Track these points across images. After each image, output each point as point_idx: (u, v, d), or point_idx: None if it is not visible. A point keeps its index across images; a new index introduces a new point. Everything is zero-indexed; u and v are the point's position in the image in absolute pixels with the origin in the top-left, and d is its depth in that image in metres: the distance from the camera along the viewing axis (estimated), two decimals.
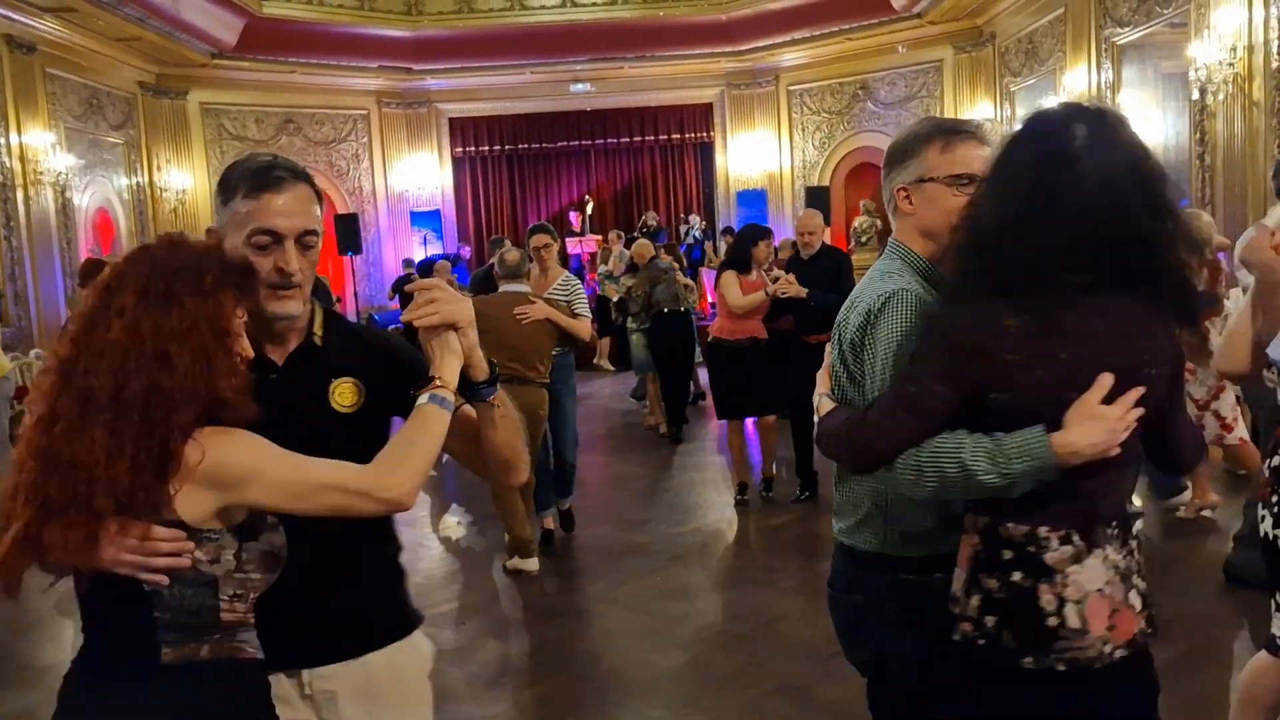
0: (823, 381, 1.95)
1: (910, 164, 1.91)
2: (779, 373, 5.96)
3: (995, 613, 1.65)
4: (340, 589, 1.79)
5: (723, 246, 12.66)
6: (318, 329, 1.79)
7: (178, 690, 1.49)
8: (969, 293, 1.64)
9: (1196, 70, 8.02)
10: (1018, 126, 1.72)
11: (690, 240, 14.99)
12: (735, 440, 6.32)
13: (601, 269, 12.91)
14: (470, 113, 16.14)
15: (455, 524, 6.30)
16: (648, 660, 3.96)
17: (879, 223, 13.57)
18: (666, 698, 3.65)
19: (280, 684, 1.72)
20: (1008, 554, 1.65)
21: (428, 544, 5.84)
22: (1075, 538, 1.62)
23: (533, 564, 5.03)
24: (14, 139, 10.12)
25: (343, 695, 1.81)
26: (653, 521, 5.96)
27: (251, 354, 1.58)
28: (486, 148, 16.54)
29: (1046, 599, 1.61)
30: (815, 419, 1.90)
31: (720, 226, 14.82)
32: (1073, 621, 1.61)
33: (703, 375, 8.58)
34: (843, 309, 1.93)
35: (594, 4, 14.79)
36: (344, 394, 1.77)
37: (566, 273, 5.76)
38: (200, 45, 12.62)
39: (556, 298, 5.27)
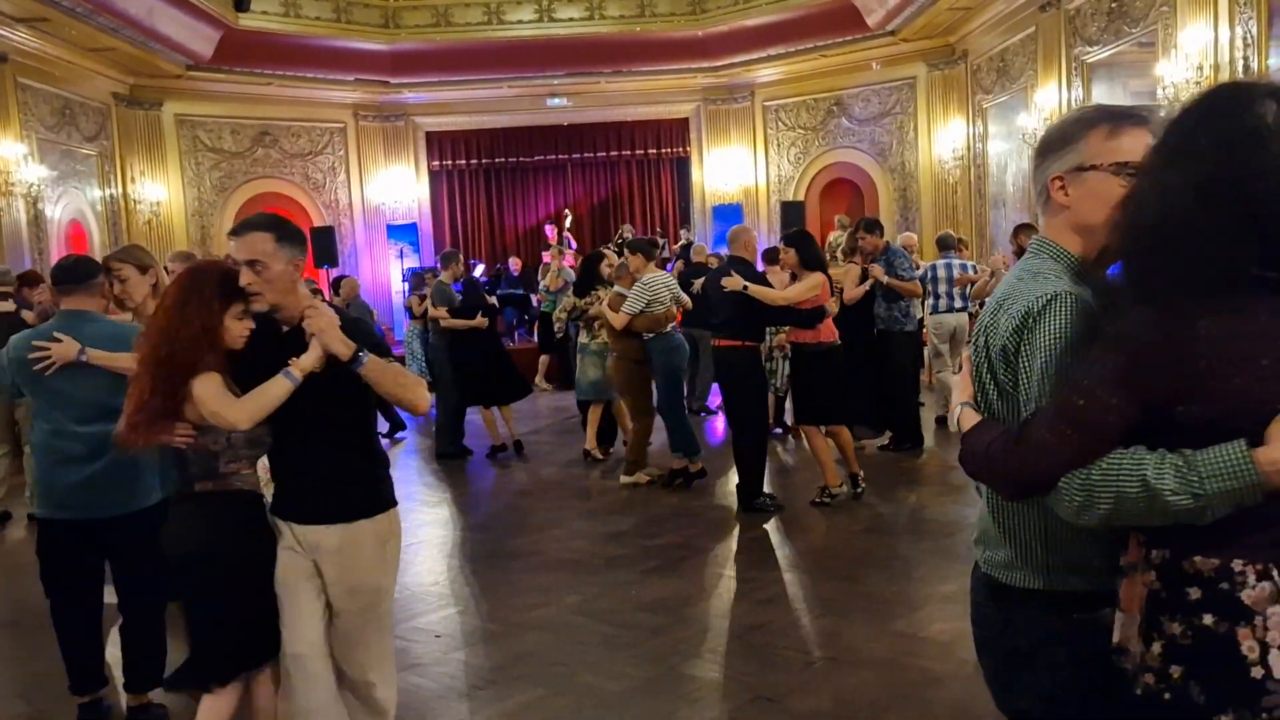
0: (963, 389, 1.76)
1: (1069, 151, 1.72)
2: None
3: (1182, 662, 1.44)
4: (328, 473, 2.75)
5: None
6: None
7: (205, 505, 2.79)
8: (1149, 294, 1.47)
9: (1164, 89, 8.18)
10: (1186, 105, 1.54)
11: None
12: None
13: (540, 284, 12.85)
14: (447, 126, 16.16)
15: (435, 536, 6.27)
16: (624, 673, 3.95)
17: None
18: (642, 711, 3.64)
19: (286, 530, 2.78)
20: (1194, 593, 1.44)
21: (409, 555, 5.80)
22: (1275, 573, 1.41)
23: (643, 477, 7.11)
24: None
25: (324, 550, 2.73)
26: (630, 534, 5.97)
27: (237, 336, 2.71)
28: (463, 161, 16.55)
29: (1248, 645, 1.40)
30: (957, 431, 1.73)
31: (696, 240, 14.86)
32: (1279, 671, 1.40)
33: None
34: (987, 312, 1.75)
35: (571, 19, 14.87)
36: None
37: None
38: (175, 56, 12.57)
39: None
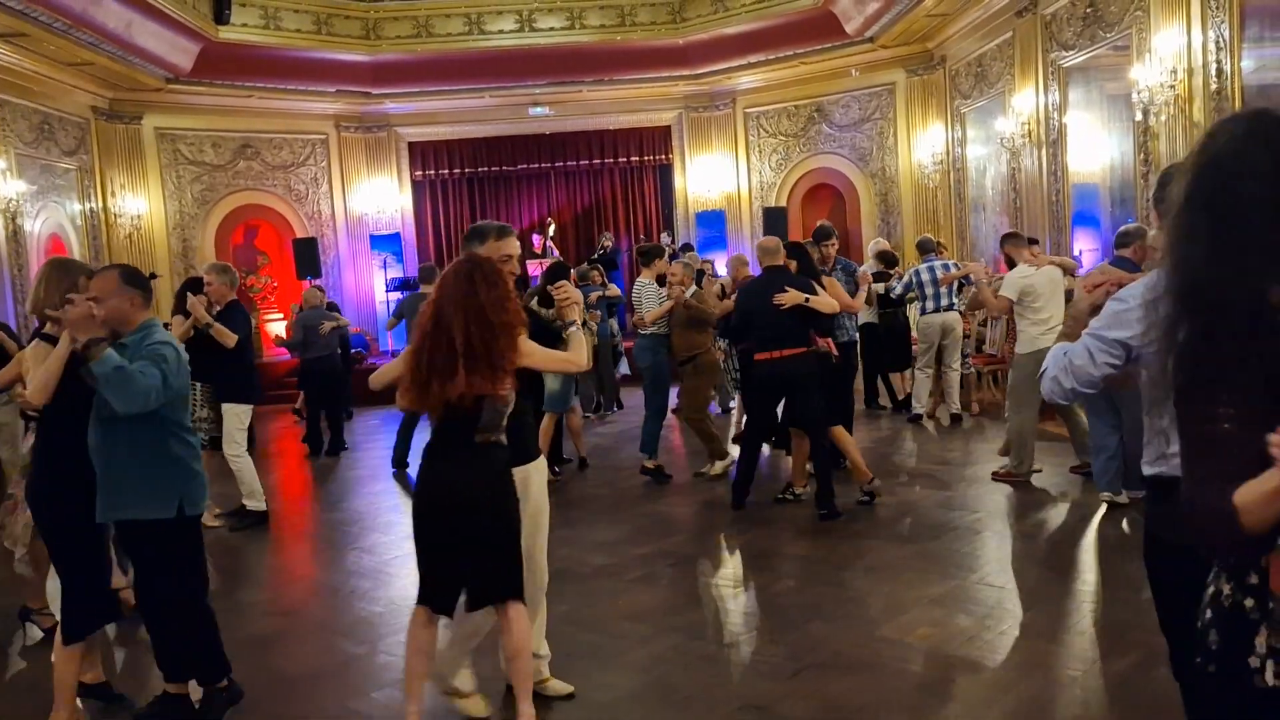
0: None
1: None
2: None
3: None
4: (510, 432, 3.43)
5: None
6: None
7: (480, 454, 3.33)
8: None
9: (1139, 92, 8.26)
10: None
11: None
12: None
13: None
14: (429, 136, 16.14)
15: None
16: (610, 682, 3.96)
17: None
18: None
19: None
20: None
21: (391, 569, 5.80)
22: None
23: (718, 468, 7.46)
24: None
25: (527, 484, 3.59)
26: (615, 543, 5.97)
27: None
28: (446, 171, 16.54)
29: None
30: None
31: (679, 245, 14.90)
32: None
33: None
34: None
35: (552, 29, 14.89)
36: None
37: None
38: (155, 70, 12.52)
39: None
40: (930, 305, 9.01)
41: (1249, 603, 1.52)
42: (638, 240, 16.13)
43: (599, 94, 15.71)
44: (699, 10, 14.70)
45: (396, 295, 9.20)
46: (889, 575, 5.13)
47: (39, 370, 3.49)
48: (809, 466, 6.53)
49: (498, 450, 3.36)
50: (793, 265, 6.45)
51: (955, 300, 9.12)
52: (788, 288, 6.17)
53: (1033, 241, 7.39)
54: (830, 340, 6.50)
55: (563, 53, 14.88)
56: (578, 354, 3.55)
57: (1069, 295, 6.67)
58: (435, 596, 3.39)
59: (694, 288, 7.71)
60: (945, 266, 9.12)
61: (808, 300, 6.11)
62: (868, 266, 10.04)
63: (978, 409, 9.51)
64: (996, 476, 6.84)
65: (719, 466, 7.48)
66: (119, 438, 3.44)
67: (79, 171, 12.58)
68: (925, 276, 9.02)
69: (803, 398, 6.30)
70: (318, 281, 13.35)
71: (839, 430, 6.55)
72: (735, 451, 8.39)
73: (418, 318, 3.35)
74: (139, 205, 13.57)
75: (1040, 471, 6.85)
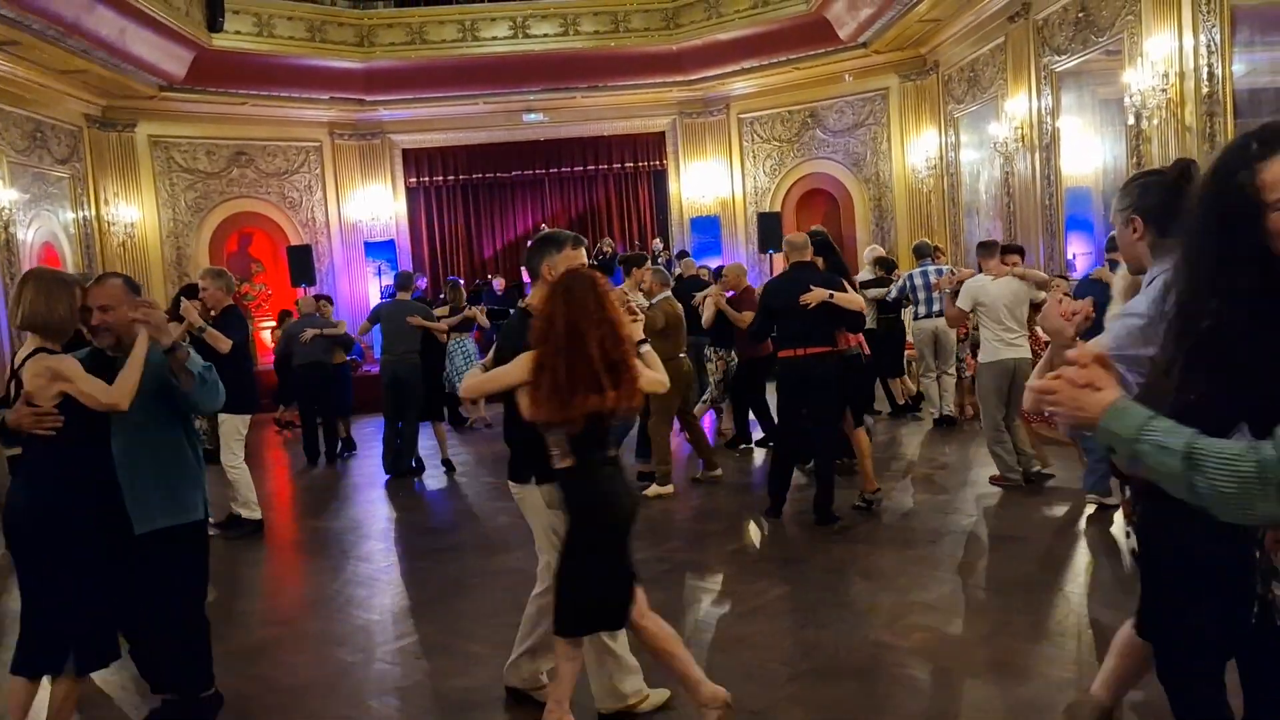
0: None
1: None
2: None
3: None
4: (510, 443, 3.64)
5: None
6: None
7: (620, 465, 3.46)
8: None
9: (1131, 96, 8.28)
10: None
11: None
12: None
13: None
14: (424, 143, 16.15)
15: (412, 557, 6.25)
16: None
17: None
18: None
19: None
20: None
21: (383, 579, 5.78)
22: None
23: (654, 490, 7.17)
24: None
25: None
26: None
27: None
28: (440, 178, 16.55)
29: None
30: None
31: (675, 251, 14.92)
32: None
33: None
34: None
35: (546, 35, 14.91)
36: None
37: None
38: (148, 77, 12.50)
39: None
40: (923, 310, 9.02)
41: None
42: (632, 246, 16.15)
43: (593, 100, 15.73)
44: (693, 16, 14.73)
45: (394, 299, 9.24)
46: (885, 580, 5.13)
47: (124, 375, 3.32)
48: (809, 466, 6.51)
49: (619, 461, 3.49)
50: (819, 262, 6.39)
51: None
52: (812, 286, 6.02)
53: (1013, 251, 7.27)
54: (861, 337, 6.49)
55: (557, 59, 14.90)
56: (663, 373, 3.54)
57: (1039, 307, 6.65)
58: (618, 613, 3.38)
59: (666, 292, 7.51)
60: (940, 272, 9.13)
61: (832, 296, 5.96)
62: (865, 273, 10.07)
63: (971, 412, 9.51)
64: (994, 480, 6.85)
65: (655, 490, 7.15)
66: (143, 447, 3.44)
67: (72, 180, 12.55)
68: (919, 281, 9.04)
69: (821, 397, 6.15)
70: (315, 290, 13.35)
71: (860, 434, 6.48)
72: (730, 453, 8.43)
73: (537, 328, 3.26)
74: (132, 213, 13.55)
75: (1052, 475, 6.82)
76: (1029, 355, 6.61)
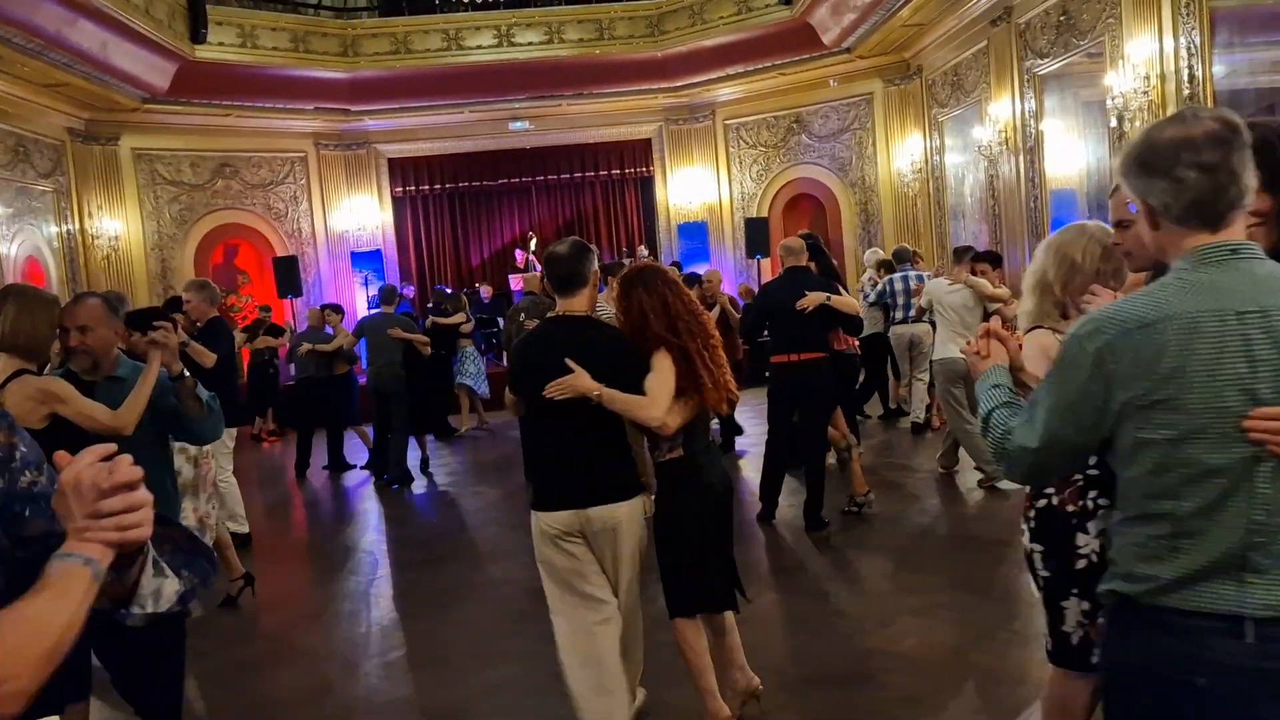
0: None
1: None
2: None
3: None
4: (595, 463, 3.28)
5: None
6: None
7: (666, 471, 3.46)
8: None
9: (1113, 98, 8.33)
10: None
11: None
12: None
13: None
14: (409, 153, 16.11)
15: (402, 569, 6.21)
16: None
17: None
18: None
19: (568, 516, 3.26)
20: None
21: (376, 590, 5.75)
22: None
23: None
24: None
25: (596, 527, 3.27)
26: None
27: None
28: (427, 187, 16.51)
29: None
30: None
31: (666, 261, 14.91)
32: None
33: None
34: None
35: (530, 43, 14.90)
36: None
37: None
38: (131, 90, 12.45)
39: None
40: (899, 315, 9.04)
41: None
42: (619, 254, 16.15)
43: (579, 108, 15.73)
44: (677, 23, 14.75)
45: (378, 313, 9.22)
46: (874, 587, 5.13)
47: (134, 398, 3.21)
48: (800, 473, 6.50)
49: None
50: (813, 266, 6.40)
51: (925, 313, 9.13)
52: (807, 291, 5.99)
53: (985, 259, 7.30)
54: (855, 340, 6.57)
55: (542, 67, 14.89)
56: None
57: (989, 315, 6.81)
58: (724, 594, 3.54)
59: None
60: (920, 278, 9.13)
61: (829, 299, 5.95)
62: (868, 275, 10.11)
63: (938, 422, 9.44)
64: (983, 484, 6.86)
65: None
66: (144, 464, 3.38)
67: (55, 193, 12.47)
68: (899, 286, 9.05)
69: (811, 403, 6.12)
70: (314, 302, 13.30)
71: (836, 436, 6.56)
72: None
73: (670, 328, 3.30)
74: (116, 226, 13.46)
75: None
76: None
